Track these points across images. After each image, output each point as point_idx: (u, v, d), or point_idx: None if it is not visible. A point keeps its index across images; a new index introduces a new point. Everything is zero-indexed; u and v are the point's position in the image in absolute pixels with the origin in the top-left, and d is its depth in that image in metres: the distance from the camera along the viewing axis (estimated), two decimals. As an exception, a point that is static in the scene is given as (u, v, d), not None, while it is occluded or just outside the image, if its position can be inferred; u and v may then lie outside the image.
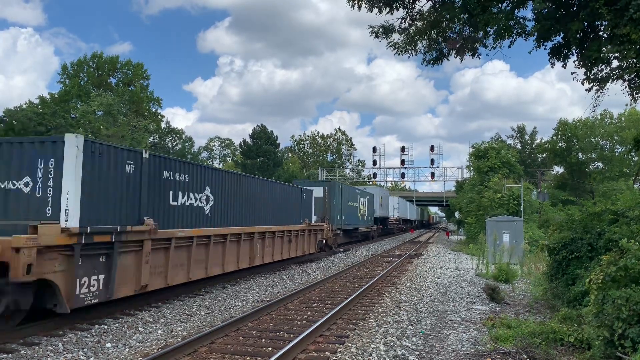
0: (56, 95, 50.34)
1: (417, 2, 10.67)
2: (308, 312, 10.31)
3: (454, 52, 10.79)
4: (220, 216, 13.34)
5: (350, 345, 7.70)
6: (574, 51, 9.91)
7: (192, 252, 11.48)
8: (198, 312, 10.15)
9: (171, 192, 11.01)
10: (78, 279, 8.13)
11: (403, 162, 70.43)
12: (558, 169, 51.79)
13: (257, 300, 11.74)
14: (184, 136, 68.85)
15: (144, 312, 9.88)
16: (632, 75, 9.24)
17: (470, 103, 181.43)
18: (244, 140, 70.59)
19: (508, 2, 9.86)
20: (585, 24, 9.22)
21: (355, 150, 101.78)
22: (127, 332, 8.40)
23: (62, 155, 8.33)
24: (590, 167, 47.57)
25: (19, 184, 8.59)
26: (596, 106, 10.36)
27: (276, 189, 18.10)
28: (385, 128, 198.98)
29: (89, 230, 8.22)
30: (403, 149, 70.92)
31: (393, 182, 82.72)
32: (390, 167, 72.55)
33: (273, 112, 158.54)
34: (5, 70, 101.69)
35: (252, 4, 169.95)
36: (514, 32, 9.94)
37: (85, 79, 55.87)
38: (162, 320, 9.35)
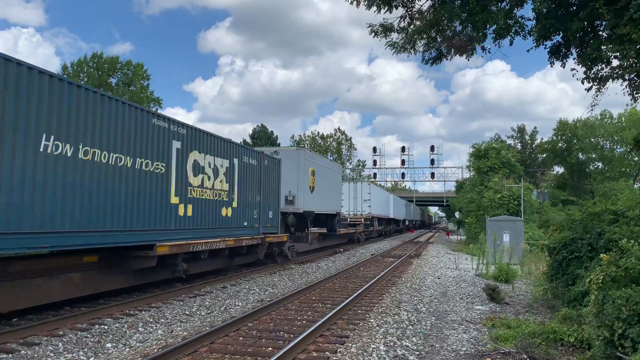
0: (56, 96, 50.33)
1: (416, 0, 10.68)
2: (308, 312, 10.30)
3: (453, 51, 10.80)
4: None
5: (350, 345, 7.70)
6: (573, 51, 9.91)
7: None
8: (198, 312, 10.15)
9: None
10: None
11: (403, 162, 70.61)
12: (558, 169, 51.82)
13: (257, 300, 11.74)
14: (184, 136, 68.66)
15: (144, 312, 9.88)
16: (633, 75, 9.23)
17: (470, 103, 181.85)
18: (244, 140, 70.65)
19: (507, 1, 9.86)
20: (585, 23, 9.22)
21: (355, 150, 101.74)
22: (127, 332, 8.40)
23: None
24: (590, 167, 47.54)
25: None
26: (594, 105, 10.38)
27: None
28: (385, 128, 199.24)
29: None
30: (403, 149, 71.14)
31: (393, 182, 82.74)
32: (390, 167, 72.76)
33: (274, 112, 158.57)
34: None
35: (252, 4, 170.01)
36: (513, 31, 9.95)
37: (86, 79, 55.89)
38: (162, 320, 9.35)
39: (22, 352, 7.10)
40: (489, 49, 10.86)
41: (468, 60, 10.95)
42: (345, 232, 31.17)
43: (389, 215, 48.36)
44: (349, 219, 36.25)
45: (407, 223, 68.32)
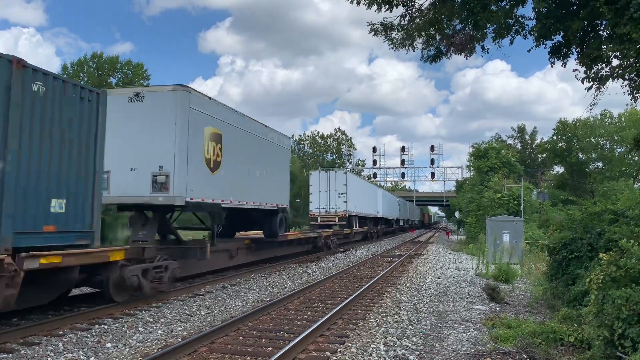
0: (56, 95, 50.25)
1: None
2: (308, 312, 10.30)
3: (452, 49, 10.80)
4: None
5: (350, 345, 7.69)
6: (574, 50, 9.91)
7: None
8: (198, 312, 10.15)
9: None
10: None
11: (403, 162, 70.56)
12: (558, 169, 51.83)
13: (257, 300, 11.73)
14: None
15: (144, 312, 9.88)
16: (633, 75, 9.23)
17: (471, 103, 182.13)
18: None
19: (507, 0, 9.86)
20: (586, 23, 9.22)
21: (355, 150, 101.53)
22: (127, 332, 8.40)
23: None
24: (590, 167, 47.55)
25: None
26: (594, 105, 10.39)
27: None
28: (385, 128, 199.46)
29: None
30: (403, 149, 71.10)
31: (393, 182, 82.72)
32: (390, 167, 72.68)
33: (274, 112, 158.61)
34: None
35: (253, 4, 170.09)
36: (513, 30, 9.96)
37: (86, 79, 55.90)
38: (162, 320, 9.34)
39: (22, 352, 7.10)
40: (488, 49, 10.92)
41: (467, 59, 10.97)
42: (299, 237, 21.33)
43: (377, 214, 39.78)
44: (319, 219, 29.69)
45: (401, 223, 59.32)
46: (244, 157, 15.38)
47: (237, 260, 16.20)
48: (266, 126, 17.42)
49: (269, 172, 17.52)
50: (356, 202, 32.04)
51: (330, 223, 29.21)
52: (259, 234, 18.89)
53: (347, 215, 30.11)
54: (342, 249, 28.26)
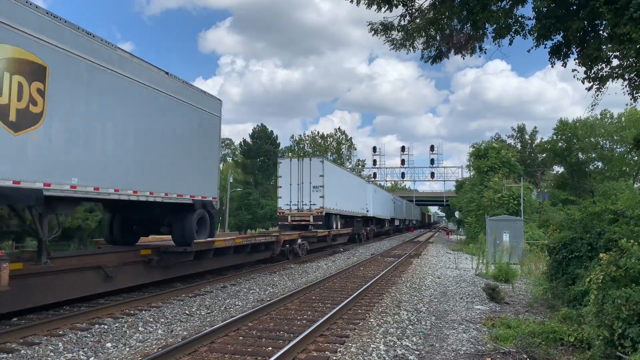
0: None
1: None
2: (308, 311, 10.31)
3: (452, 50, 10.81)
4: None
5: (350, 345, 7.70)
6: (574, 50, 9.92)
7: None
8: (198, 312, 10.15)
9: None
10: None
11: (403, 162, 70.71)
12: (558, 169, 51.85)
13: (257, 300, 11.74)
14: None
15: (144, 312, 9.88)
16: (632, 75, 9.24)
17: (471, 102, 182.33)
18: (244, 140, 70.68)
19: (507, 0, 9.87)
20: (586, 23, 9.23)
21: (355, 150, 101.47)
22: (128, 331, 8.40)
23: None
24: (590, 166, 47.56)
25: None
26: (595, 105, 10.41)
27: None
28: (385, 128, 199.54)
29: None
30: (403, 148, 71.26)
31: (393, 182, 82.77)
32: (390, 167, 72.76)
33: (274, 112, 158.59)
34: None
35: (253, 3, 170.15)
36: (513, 30, 9.97)
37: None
38: (163, 320, 9.35)
39: (22, 351, 7.11)
40: (486, 49, 11.00)
41: (463, 58, 11.00)
42: (239, 243, 15.16)
43: (366, 213, 34.68)
44: (290, 218, 24.51)
45: (397, 223, 53.37)
46: (113, 114, 9.68)
47: (120, 282, 10.93)
48: (168, 74, 11.71)
49: (177, 147, 12.03)
50: (337, 198, 26.46)
51: (304, 223, 24.02)
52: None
53: (323, 213, 24.34)
54: (342, 249, 28.29)
